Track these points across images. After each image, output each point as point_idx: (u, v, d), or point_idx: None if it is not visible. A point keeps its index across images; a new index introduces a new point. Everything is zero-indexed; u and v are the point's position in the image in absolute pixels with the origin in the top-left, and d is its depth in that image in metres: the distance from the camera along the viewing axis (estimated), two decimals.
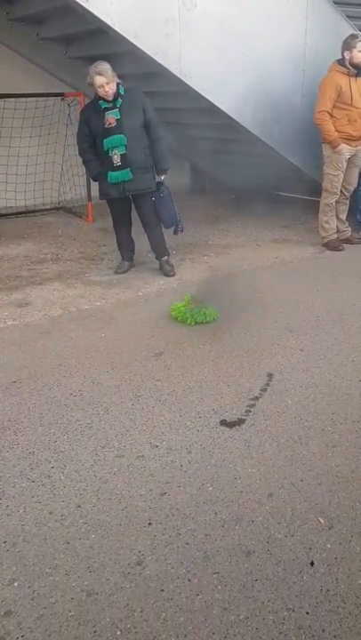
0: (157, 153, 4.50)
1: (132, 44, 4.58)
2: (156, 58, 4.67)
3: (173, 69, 4.84)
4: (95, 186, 4.80)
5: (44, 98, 6.43)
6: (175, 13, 4.72)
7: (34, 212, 6.83)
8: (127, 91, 4.32)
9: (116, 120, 4.27)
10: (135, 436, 2.60)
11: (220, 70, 5.12)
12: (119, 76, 4.32)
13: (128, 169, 4.38)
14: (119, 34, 4.52)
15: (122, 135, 4.29)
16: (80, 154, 4.58)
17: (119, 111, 4.26)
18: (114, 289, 4.51)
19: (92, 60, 6.34)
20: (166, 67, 4.79)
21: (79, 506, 2.18)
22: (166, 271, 4.82)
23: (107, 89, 4.19)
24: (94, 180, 4.64)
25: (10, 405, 2.87)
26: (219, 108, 5.28)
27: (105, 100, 4.25)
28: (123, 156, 4.33)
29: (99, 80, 4.17)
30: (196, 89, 5.05)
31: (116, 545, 1.99)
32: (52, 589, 1.82)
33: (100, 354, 3.41)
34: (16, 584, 1.84)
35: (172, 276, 4.79)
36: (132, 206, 4.74)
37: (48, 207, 7.01)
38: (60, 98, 6.51)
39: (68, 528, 2.07)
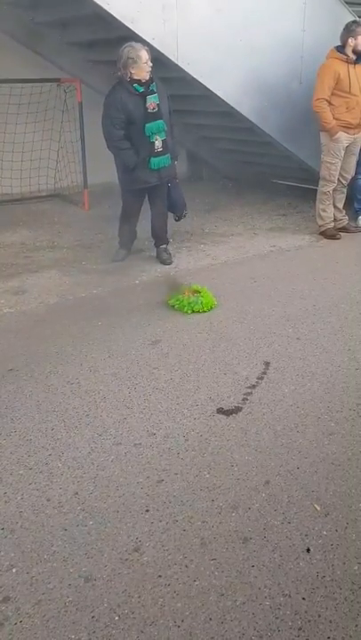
0: (174, 139, 4.50)
1: (129, 29, 4.52)
2: (153, 43, 4.61)
3: (171, 55, 4.79)
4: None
5: (40, 84, 6.35)
6: None
7: (29, 199, 6.78)
8: (154, 76, 4.25)
9: (157, 104, 4.20)
10: (132, 424, 2.61)
11: (217, 57, 5.07)
12: (116, 62, 4.27)
13: (168, 154, 4.36)
14: (116, 19, 4.47)
15: (162, 120, 4.24)
16: (114, 142, 4.29)
17: (158, 96, 4.21)
18: (111, 277, 4.49)
19: (89, 45, 6.34)
20: (163, 52, 4.74)
21: (77, 493, 2.19)
22: (164, 259, 4.80)
23: (150, 64, 4.13)
24: (132, 169, 4.36)
25: (7, 393, 2.87)
26: (216, 95, 5.24)
27: (139, 83, 4.15)
28: (164, 142, 4.29)
29: (145, 54, 4.09)
30: (194, 75, 5.01)
31: (113, 532, 2.00)
32: (50, 575, 1.83)
33: (96, 342, 3.41)
34: (14, 570, 1.85)
35: (170, 264, 4.77)
36: None
37: (44, 194, 6.95)
38: (55, 84, 6.43)
39: (66, 515, 2.08)
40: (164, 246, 4.88)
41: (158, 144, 4.27)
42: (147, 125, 4.20)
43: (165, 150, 4.33)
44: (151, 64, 4.15)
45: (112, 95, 4.26)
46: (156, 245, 4.88)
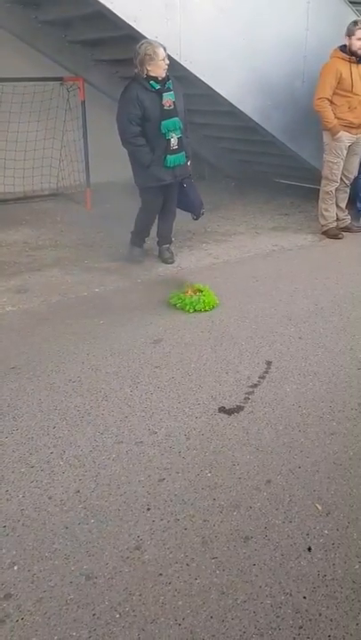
0: (187, 138, 4.48)
1: (132, 27, 4.53)
2: None
3: (174, 54, 4.78)
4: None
5: (43, 82, 6.36)
6: None
7: (32, 197, 6.78)
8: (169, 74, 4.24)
9: (173, 102, 4.19)
10: (134, 423, 2.61)
11: (220, 55, 5.07)
12: (120, 61, 4.26)
13: (183, 152, 4.34)
14: (119, 17, 4.47)
15: (178, 118, 4.23)
16: (129, 139, 4.23)
17: (174, 93, 4.19)
18: (112, 276, 4.49)
19: (92, 44, 6.34)
20: (167, 51, 4.73)
21: (78, 491, 2.19)
22: (166, 258, 4.80)
23: (167, 61, 4.12)
24: (147, 167, 4.30)
25: (9, 391, 2.87)
26: (219, 95, 5.24)
27: (156, 80, 4.13)
28: (179, 140, 4.27)
29: (162, 52, 4.08)
30: (196, 74, 5.01)
31: (114, 530, 2.01)
32: (51, 573, 1.84)
33: (98, 340, 3.41)
34: (16, 567, 1.86)
35: (172, 263, 4.77)
36: None
37: (46, 193, 6.96)
38: (59, 82, 6.44)
39: (67, 513, 2.08)
40: (167, 245, 4.87)
41: (174, 141, 4.25)
42: (163, 123, 4.17)
43: (181, 148, 4.31)
44: (168, 61, 4.15)
45: (128, 92, 4.21)
46: (159, 244, 4.87)
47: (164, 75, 4.16)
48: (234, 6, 5.02)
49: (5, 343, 3.38)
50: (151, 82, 4.14)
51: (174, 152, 4.28)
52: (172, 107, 4.19)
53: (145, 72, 4.13)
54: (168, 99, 4.16)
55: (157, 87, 4.15)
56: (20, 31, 6.30)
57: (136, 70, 4.19)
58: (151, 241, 4.96)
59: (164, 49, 4.14)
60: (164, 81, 4.17)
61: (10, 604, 1.73)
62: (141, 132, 4.22)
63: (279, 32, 5.37)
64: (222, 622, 1.67)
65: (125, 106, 4.20)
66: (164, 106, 4.16)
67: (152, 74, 4.12)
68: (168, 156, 4.27)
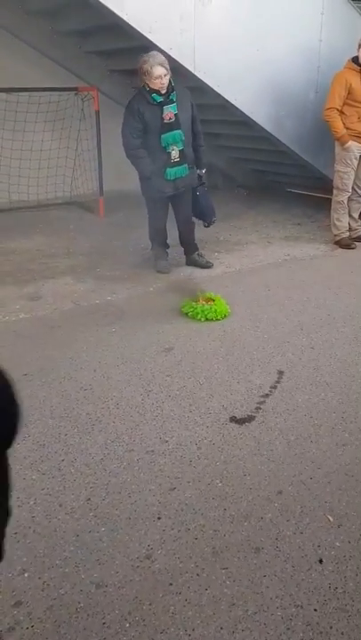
0: (200, 147, 4.49)
1: (147, 38, 4.57)
2: (170, 53, 4.65)
3: (188, 65, 4.83)
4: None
5: (58, 92, 6.43)
6: (190, 9, 4.72)
7: (46, 206, 6.84)
8: (176, 84, 4.22)
9: (175, 115, 4.18)
10: (145, 431, 2.61)
11: (234, 66, 5.11)
12: (133, 71, 4.30)
13: (185, 164, 4.35)
14: (134, 28, 4.52)
15: (180, 130, 4.22)
16: (131, 151, 4.29)
17: (176, 105, 4.18)
18: (125, 284, 4.51)
19: (107, 54, 6.41)
20: (181, 62, 4.78)
21: (89, 499, 2.19)
22: (203, 264, 4.81)
23: (164, 81, 4.09)
24: (148, 179, 4.36)
25: (21, 398, 2.87)
26: (232, 104, 5.27)
27: (158, 93, 4.13)
28: (181, 152, 4.27)
29: (159, 70, 4.04)
30: (211, 85, 5.04)
31: (125, 538, 2.01)
32: (61, 581, 1.84)
33: (110, 348, 3.42)
34: (26, 575, 1.86)
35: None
36: None
37: (60, 202, 7.02)
38: (73, 92, 6.50)
39: (78, 521, 2.08)
40: (198, 252, 4.88)
41: (175, 154, 4.25)
42: (162, 136, 4.19)
43: (183, 160, 4.31)
44: (166, 80, 4.09)
45: (131, 104, 4.25)
46: (189, 253, 4.88)
47: (163, 90, 4.13)
48: (248, 17, 5.05)
49: (18, 350, 3.40)
50: (153, 94, 4.14)
51: (175, 165, 4.29)
52: (172, 119, 4.18)
53: (146, 85, 4.15)
54: (169, 111, 4.16)
55: (159, 100, 4.14)
56: (36, 41, 6.39)
57: (140, 82, 4.20)
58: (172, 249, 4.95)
59: (163, 64, 4.07)
60: (167, 93, 4.16)
61: (20, 612, 1.73)
62: (142, 143, 4.24)
63: (293, 43, 5.41)
64: (232, 634, 1.66)
65: (127, 119, 4.24)
66: (164, 119, 4.16)
67: (154, 86, 4.14)
68: (168, 169, 4.28)
